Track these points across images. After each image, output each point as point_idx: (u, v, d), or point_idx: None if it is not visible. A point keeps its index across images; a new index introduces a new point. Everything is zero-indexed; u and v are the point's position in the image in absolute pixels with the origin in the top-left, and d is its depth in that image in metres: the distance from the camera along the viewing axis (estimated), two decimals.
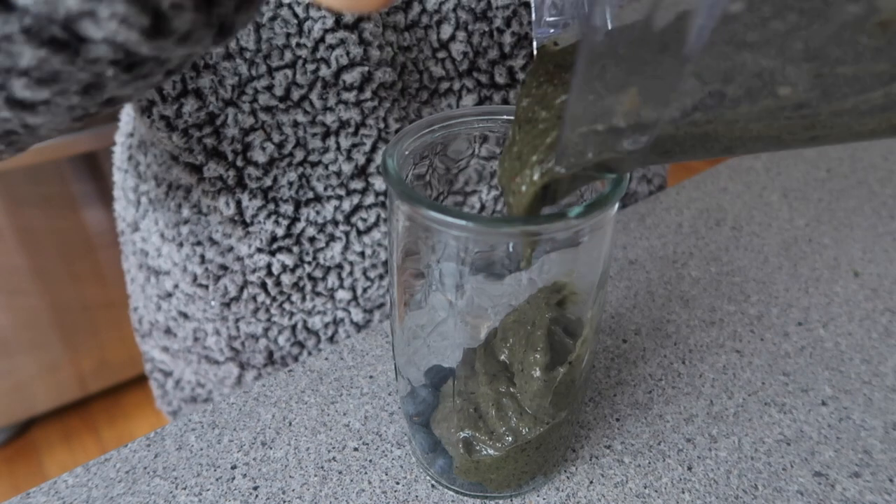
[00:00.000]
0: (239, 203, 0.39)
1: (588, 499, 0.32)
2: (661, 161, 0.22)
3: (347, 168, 0.38)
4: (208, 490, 0.32)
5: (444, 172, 0.36)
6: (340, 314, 0.43)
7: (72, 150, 1.10)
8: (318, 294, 0.42)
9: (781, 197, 0.54)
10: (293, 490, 0.32)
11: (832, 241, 0.48)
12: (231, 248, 0.41)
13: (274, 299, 0.42)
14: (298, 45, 0.34)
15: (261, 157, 0.37)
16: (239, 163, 0.37)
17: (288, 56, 0.35)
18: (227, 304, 0.43)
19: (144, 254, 0.46)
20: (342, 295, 0.42)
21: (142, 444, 0.34)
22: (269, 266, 0.41)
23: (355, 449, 0.34)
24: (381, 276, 0.42)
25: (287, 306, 0.43)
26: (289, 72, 0.35)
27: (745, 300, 0.43)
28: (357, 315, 0.43)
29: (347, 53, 0.35)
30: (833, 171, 0.57)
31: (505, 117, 0.28)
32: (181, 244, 0.43)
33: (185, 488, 0.32)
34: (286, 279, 0.41)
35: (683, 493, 0.32)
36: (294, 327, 0.43)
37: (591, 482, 0.32)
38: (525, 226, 0.23)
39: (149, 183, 0.44)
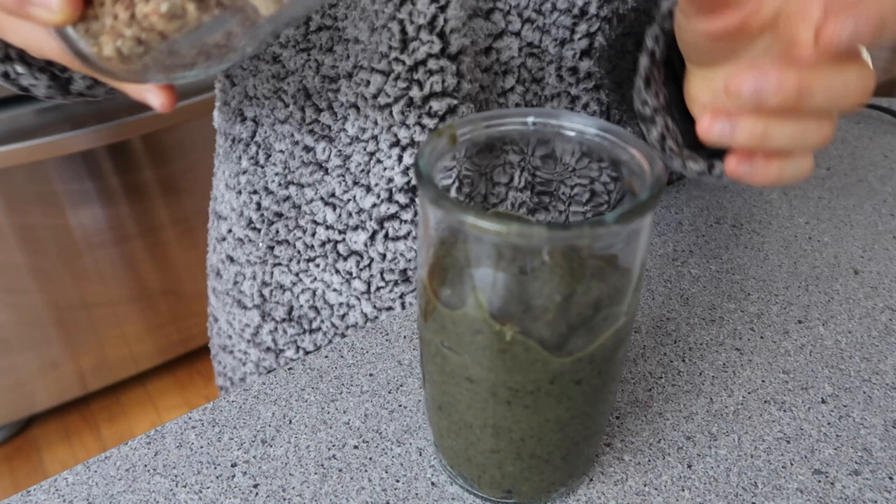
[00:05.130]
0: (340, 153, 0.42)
1: (588, 497, 0.32)
2: None
3: (400, 181, 0.41)
4: (208, 488, 0.32)
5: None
6: (353, 300, 0.45)
7: (71, 149, 1.10)
8: (338, 272, 0.45)
9: (781, 195, 0.54)
10: (293, 488, 0.32)
11: (832, 238, 0.48)
12: (288, 198, 0.45)
13: (311, 248, 0.45)
14: (397, 60, 0.37)
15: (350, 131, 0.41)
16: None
17: (383, 65, 0.37)
18: (272, 248, 0.47)
19: (214, 199, 0.52)
20: (357, 285, 0.44)
21: (142, 441, 0.34)
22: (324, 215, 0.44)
23: (355, 447, 0.34)
24: (395, 283, 0.44)
25: (313, 269, 0.45)
26: (380, 79, 0.38)
27: (744, 298, 0.43)
28: (367, 307, 0.45)
29: (443, 82, 0.38)
30: (833, 168, 0.57)
31: (531, 119, 0.28)
32: (239, 192, 0.47)
33: (185, 486, 0.32)
34: (321, 233, 0.44)
35: (683, 490, 0.32)
36: (315, 292, 0.46)
37: (591, 480, 0.32)
38: (561, 231, 0.23)
39: (221, 138, 0.49)
